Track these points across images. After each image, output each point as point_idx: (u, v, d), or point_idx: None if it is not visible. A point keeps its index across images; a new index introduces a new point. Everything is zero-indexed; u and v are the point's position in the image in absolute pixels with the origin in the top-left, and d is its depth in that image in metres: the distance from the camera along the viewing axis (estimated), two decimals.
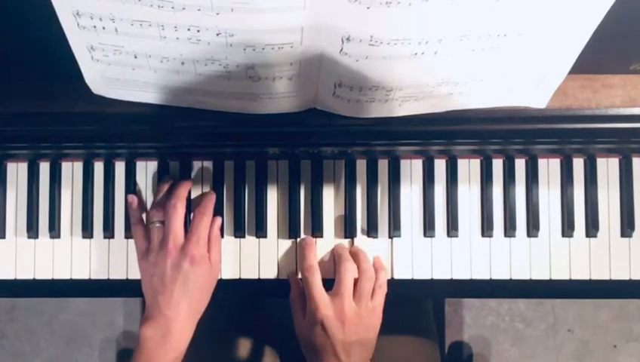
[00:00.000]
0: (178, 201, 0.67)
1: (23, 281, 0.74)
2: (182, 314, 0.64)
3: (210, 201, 0.70)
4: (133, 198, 0.71)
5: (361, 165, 0.73)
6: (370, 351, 0.68)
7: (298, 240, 0.73)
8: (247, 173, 0.73)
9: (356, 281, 0.68)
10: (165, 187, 0.70)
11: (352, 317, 0.65)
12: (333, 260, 0.71)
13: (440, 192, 0.73)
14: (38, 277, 0.74)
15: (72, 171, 0.74)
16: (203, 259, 0.66)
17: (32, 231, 0.73)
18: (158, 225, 0.67)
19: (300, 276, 0.70)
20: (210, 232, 0.69)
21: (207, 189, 0.73)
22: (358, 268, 0.68)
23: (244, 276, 0.73)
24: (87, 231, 0.73)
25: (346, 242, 0.73)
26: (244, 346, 0.85)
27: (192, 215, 0.69)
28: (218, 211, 0.72)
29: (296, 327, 0.69)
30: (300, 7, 0.48)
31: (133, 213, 0.71)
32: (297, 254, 0.73)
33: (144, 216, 0.71)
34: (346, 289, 0.66)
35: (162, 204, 0.68)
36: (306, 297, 0.68)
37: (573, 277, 0.72)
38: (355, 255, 0.70)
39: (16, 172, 0.74)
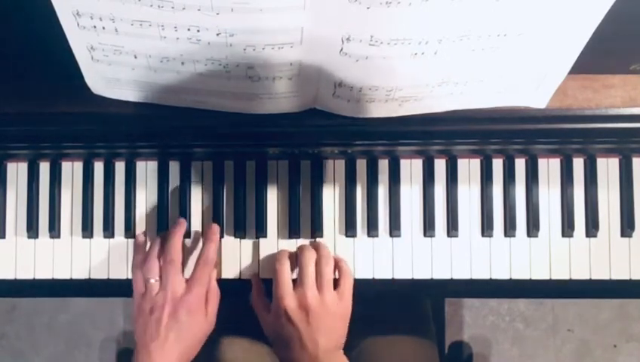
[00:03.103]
0: (175, 255, 0.67)
1: (23, 281, 0.74)
2: None
3: (213, 251, 0.69)
4: (141, 237, 0.72)
5: (361, 165, 0.73)
6: (339, 340, 0.68)
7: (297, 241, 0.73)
8: (247, 173, 0.73)
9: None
10: (157, 242, 0.70)
11: (315, 307, 0.65)
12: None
13: (440, 192, 0.73)
14: (38, 277, 0.74)
15: (72, 171, 0.74)
16: (200, 309, 0.67)
17: (32, 231, 0.73)
18: (153, 281, 0.66)
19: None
20: (209, 284, 0.69)
21: (207, 189, 0.73)
22: (317, 255, 0.69)
23: (245, 276, 0.73)
24: (87, 231, 0.73)
25: (346, 242, 0.73)
26: (243, 346, 0.85)
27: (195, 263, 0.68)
28: (218, 211, 0.73)
29: (263, 326, 0.70)
30: (299, 7, 0.48)
31: (136, 254, 0.71)
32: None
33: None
34: (309, 279, 0.66)
35: (158, 257, 0.68)
36: (265, 296, 0.69)
37: (573, 277, 0.72)
38: (313, 246, 0.71)
39: (16, 172, 0.74)
